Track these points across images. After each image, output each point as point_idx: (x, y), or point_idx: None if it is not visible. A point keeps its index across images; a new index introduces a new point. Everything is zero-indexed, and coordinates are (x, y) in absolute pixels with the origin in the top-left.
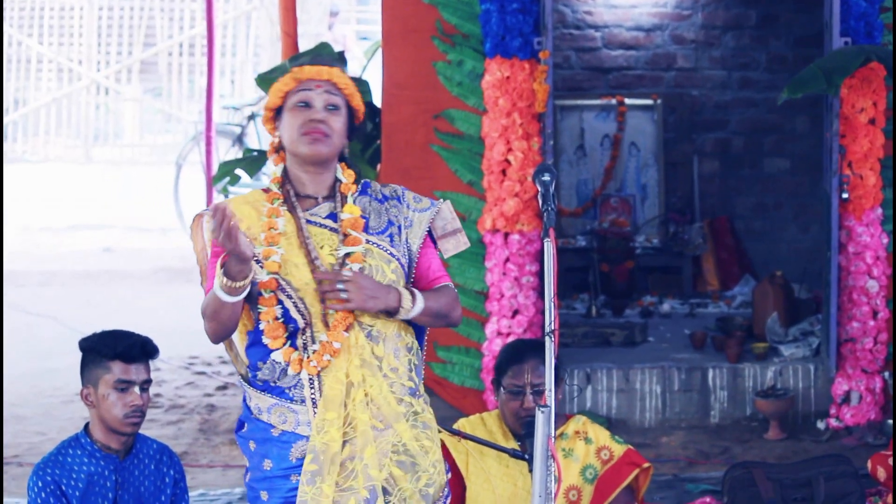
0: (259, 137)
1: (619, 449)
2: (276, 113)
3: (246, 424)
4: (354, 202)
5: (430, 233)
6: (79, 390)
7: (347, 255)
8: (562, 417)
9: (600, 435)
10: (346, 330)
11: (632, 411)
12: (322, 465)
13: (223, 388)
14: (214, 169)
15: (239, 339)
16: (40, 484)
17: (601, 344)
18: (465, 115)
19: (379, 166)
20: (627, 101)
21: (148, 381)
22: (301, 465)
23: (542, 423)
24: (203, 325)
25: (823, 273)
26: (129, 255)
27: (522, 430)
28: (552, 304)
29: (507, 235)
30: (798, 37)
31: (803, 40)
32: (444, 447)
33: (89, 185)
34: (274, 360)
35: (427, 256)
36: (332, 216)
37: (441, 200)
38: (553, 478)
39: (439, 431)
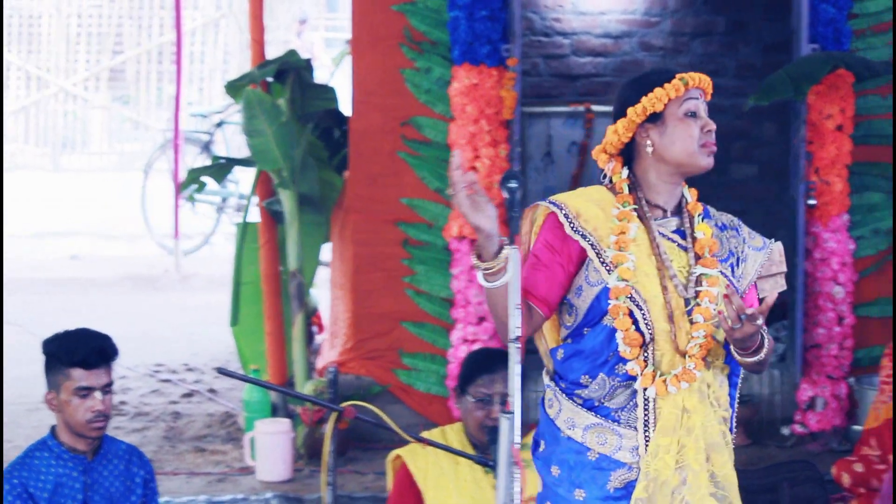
0: (227, 145)
1: None
2: (650, 120)
3: (544, 444)
4: (698, 221)
5: None
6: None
7: (701, 276)
8: (526, 426)
9: None
10: (706, 356)
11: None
12: (653, 494)
13: (188, 395)
14: (182, 176)
15: (550, 337)
16: (7, 487)
17: None
18: (432, 122)
19: (346, 173)
20: (595, 108)
21: (109, 384)
22: (620, 497)
23: (507, 430)
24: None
25: (789, 279)
26: (97, 262)
27: (486, 437)
28: (518, 310)
29: (473, 242)
30: (767, 43)
31: (772, 47)
32: (403, 464)
33: (57, 192)
34: (606, 377)
35: (752, 298)
36: (679, 232)
37: (773, 241)
38: (517, 485)
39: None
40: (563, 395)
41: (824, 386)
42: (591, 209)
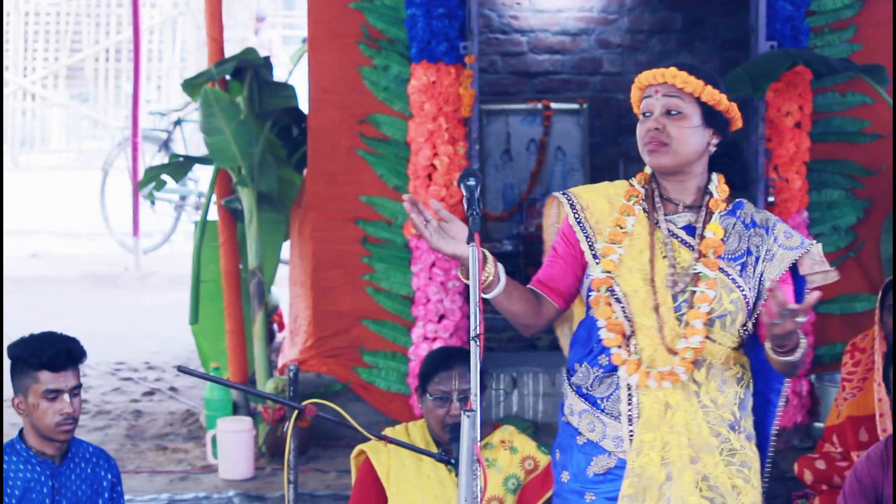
0: (185, 143)
1: (544, 459)
2: None
3: (560, 428)
4: (720, 221)
5: (794, 273)
6: (6, 399)
7: (696, 276)
8: (489, 426)
9: (526, 445)
10: (696, 359)
11: (558, 415)
12: (639, 491)
13: (150, 393)
14: (141, 174)
15: (568, 331)
16: None
17: (527, 348)
18: (390, 119)
19: (305, 171)
20: (553, 105)
21: (77, 387)
22: (597, 482)
23: (468, 427)
24: None
25: None
26: (57, 260)
27: (448, 435)
28: (477, 308)
29: None
30: (724, 40)
31: (730, 44)
32: (366, 462)
33: (16, 190)
34: (589, 366)
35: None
36: (688, 228)
37: (813, 242)
38: (479, 482)
39: (382, 439)
40: (566, 381)
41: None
42: (600, 202)
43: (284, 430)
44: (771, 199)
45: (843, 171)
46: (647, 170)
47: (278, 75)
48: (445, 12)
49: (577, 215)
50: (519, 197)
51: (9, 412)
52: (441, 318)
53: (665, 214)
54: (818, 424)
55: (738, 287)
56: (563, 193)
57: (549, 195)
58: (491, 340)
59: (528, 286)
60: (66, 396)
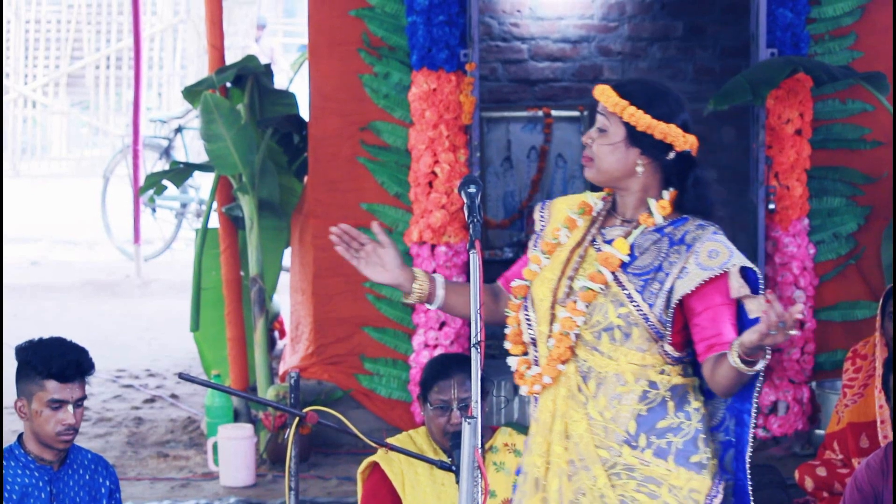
0: (186, 150)
1: None
2: None
3: None
4: (640, 236)
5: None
6: (7, 403)
7: (584, 289)
8: (488, 430)
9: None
10: (563, 363)
11: None
12: (525, 491)
13: (151, 400)
14: (142, 182)
15: None
16: None
17: None
18: (391, 127)
19: (306, 179)
20: (554, 112)
21: (82, 398)
22: (518, 475)
23: (469, 434)
24: None
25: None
26: (57, 268)
27: (450, 442)
28: (478, 315)
29: (433, 247)
30: (725, 48)
31: (730, 51)
32: (377, 467)
33: (17, 198)
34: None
35: (711, 317)
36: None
37: (733, 264)
38: (479, 489)
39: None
40: None
41: (786, 390)
42: (562, 212)
43: (285, 437)
44: (772, 206)
45: (843, 179)
46: None
47: (279, 83)
48: (446, 20)
49: (542, 222)
50: (520, 204)
51: (9, 420)
52: (442, 325)
53: (602, 228)
54: (819, 431)
55: (632, 302)
56: (542, 203)
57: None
58: (492, 347)
59: (495, 282)
60: (70, 407)
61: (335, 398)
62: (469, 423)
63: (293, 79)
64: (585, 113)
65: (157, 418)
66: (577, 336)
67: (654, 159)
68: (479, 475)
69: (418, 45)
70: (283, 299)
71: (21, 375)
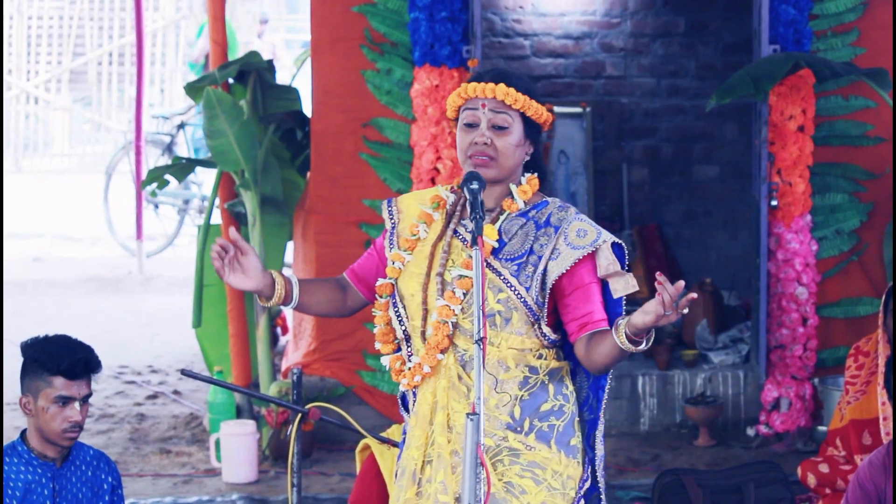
0: (188, 146)
1: None
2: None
3: None
4: (506, 221)
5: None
6: (12, 399)
7: (461, 277)
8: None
9: None
10: (442, 352)
11: None
12: (405, 483)
13: (153, 397)
14: (144, 178)
15: None
16: None
17: None
18: (394, 123)
19: (308, 174)
20: (556, 109)
21: (88, 395)
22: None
23: (471, 430)
24: None
25: (753, 280)
26: (59, 264)
27: None
28: (480, 311)
29: None
30: (727, 44)
31: (732, 48)
32: (371, 457)
33: (19, 194)
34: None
35: (582, 297)
36: None
37: (603, 240)
38: (482, 485)
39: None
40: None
41: (789, 387)
42: (413, 208)
43: (288, 433)
44: (774, 202)
45: (846, 175)
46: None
47: (282, 79)
48: (448, 16)
49: (392, 220)
50: None
51: (10, 416)
52: None
53: (462, 219)
54: (821, 428)
55: (510, 286)
56: (388, 200)
57: (384, 200)
58: None
59: (342, 275)
60: (77, 404)
61: (337, 394)
62: (472, 420)
63: (296, 75)
64: (588, 109)
65: (160, 415)
66: (455, 325)
67: (533, 144)
68: (482, 470)
69: (421, 42)
70: None
71: (27, 372)
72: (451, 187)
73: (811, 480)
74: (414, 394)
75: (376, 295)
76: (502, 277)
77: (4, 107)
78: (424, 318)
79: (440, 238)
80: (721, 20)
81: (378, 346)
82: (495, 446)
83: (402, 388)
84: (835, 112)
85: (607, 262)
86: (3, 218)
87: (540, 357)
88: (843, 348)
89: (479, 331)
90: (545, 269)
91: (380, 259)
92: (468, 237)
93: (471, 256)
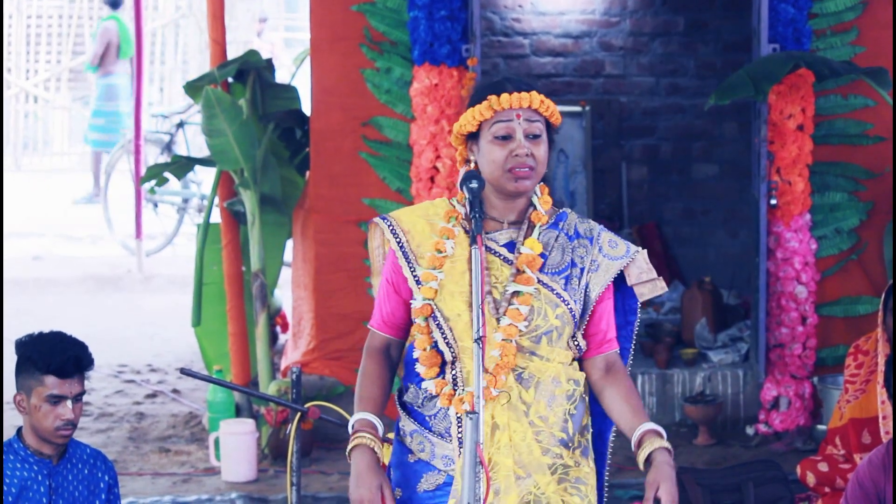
0: (187, 145)
1: None
2: (471, 136)
3: (393, 447)
4: (541, 235)
5: (620, 282)
6: (7, 398)
7: (515, 293)
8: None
9: None
10: (521, 380)
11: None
12: None
13: (152, 396)
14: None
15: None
16: None
17: None
18: (393, 122)
19: (308, 173)
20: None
21: (81, 394)
22: (426, 499)
23: (470, 429)
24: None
25: (752, 279)
26: (59, 262)
27: None
28: (480, 310)
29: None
30: (727, 43)
31: (732, 46)
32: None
33: (18, 192)
34: (416, 388)
35: (604, 311)
36: (510, 245)
37: (637, 250)
38: (482, 484)
39: (385, 441)
40: (397, 401)
41: (788, 385)
42: (420, 224)
43: (287, 432)
44: (773, 201)
45: (845, 174)
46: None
47: (281, 78)
48: (448, 15)
49: (398, 240)
50: None
51: (9, 414)
52: None
53: (487, 233)
54: (821, 427)
55: (563, 301)
56: (384, 218)
57: (378, 218)
58: None
59: (376, 343)
60: (69, 403)
61: (337, 393)
62: (471, 419)
63: (295, 73)
64: (587, 108)
65: (159, 413)
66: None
67: (551, 148)
68: (481, 470)
69: (420, 40)
70: (285, 294)
71: (20, 370)
72: (461, 199)
73: (810, 479)
74: (459, 419)
75: (414, 319)
76: (555, 292)
77: (4, 105)
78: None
79: (470, 255)
80: (720, 19)
81: (421, 370)
82: (553, 463)
83: (452, 413)
84: (834, 111)
85: (640, 270)
86: (3, 217)
87: (577, 369)
88: (843, 347)
89: (478, 329)
90: (588, 283)
91: (402, 288)
92: (503, 251)
93: (519, 272)
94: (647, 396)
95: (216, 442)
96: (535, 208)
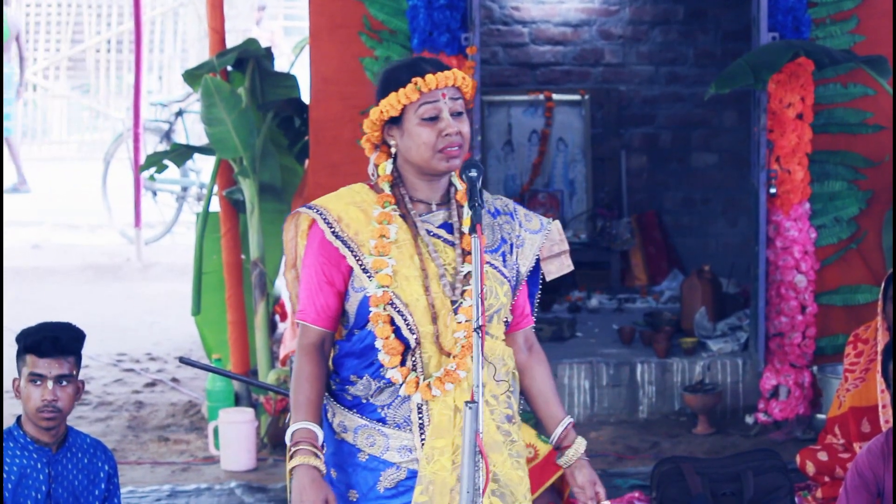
0: (186, 133)
1: (544, 448)
2: (390, 121)
3: (326, 446)
4: (466, 213)
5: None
6: (8, 387)
7: (468, 273)
8: None
9: (526, 433)
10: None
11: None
12: (433, 497)
13: (151, 384)
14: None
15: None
16: None
17: None
18: None
19: (307, 162)
20: (555, 96)
21: (64, 376)
22: (390, 497)
23: (470, 419)
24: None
25: (751, 268)
26: (58, 251)
27: None
28: (479, 299)
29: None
30: (726, 32)
31: (731, 35)
32: None
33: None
34: (371, 378)
35: (525, 286)
36: (447, 226)
37: (550, 220)
38: (481, 474)
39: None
40: (333, 398)
41: (787, 374)
42: (352, 212)
43: (286, 421)
44: (773, 190)
45: (844, 163)
46: (388, 168)
47: (280, 66)
48: (447, 3)
49: (332, 229)
50: (521, 188)
51: (10, 403)
52: None
53: (420, 216)
54: (820, 416)
55: (507, 278)
56: (311, 207)
57: (303, 208)
58: None
59: (315, 331)
60: (50, 383)
61: None
62: (470, 409)
63: (294, 62)
64: (586, 96)
65: (158, 402)
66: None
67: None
68: (480, 459)
69: (419, 29)
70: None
71: (17, 354)
72: (381, 183)
73: (810, 468)
74: (419, 406)
75: (372, 308)
76: (498, 270)
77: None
78: (434, 321)
79: (416, 237)
80: (720, 7)
81: (385, 359)
82: (505, 440)
83: (414, 401)
84: (834, 100)
85: (552, 242)
86: (3, 205)
87: (507, 344)
88: (842, 336)
89: (477, 318)
90: (517, 260)
91: (335, 279)
92: (442, 233)
93: (466, 253)
94: (647, 385)
95: (215, 431)
96: (456, 189)
